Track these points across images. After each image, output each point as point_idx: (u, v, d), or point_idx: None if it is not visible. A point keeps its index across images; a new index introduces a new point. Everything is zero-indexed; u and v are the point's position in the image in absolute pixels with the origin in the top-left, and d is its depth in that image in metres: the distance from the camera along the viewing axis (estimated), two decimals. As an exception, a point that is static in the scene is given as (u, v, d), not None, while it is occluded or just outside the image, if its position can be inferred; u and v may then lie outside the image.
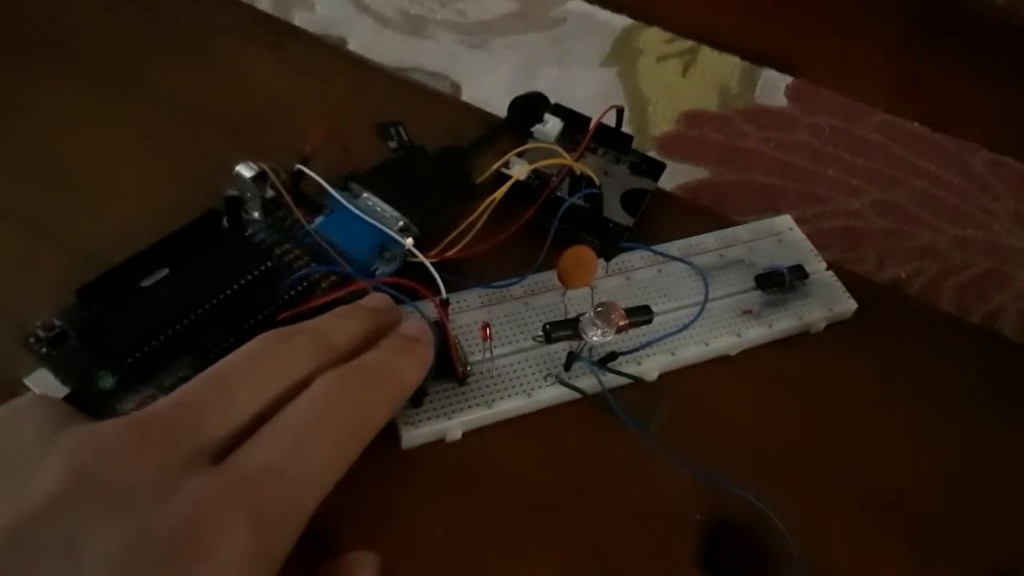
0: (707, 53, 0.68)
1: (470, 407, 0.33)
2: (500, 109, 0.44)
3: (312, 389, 0.26)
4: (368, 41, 0.66)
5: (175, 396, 0.25)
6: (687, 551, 0.32)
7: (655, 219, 0.40)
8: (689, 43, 0.69)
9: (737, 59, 0.68)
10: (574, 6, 0.70)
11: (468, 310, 0.35)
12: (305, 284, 0.34)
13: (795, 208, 0.60)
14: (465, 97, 0.62)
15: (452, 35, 0.68)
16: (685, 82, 0.67)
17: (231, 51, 0.47)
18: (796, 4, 0.65)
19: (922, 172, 0.61)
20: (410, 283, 0.32)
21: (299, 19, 0.66)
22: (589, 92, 0.65)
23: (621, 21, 0.70)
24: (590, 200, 0.38)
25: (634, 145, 0.42)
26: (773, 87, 0.67)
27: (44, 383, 0.30)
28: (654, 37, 0.69)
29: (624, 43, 0.69)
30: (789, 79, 0.67)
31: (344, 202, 0.34)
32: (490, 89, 0.63)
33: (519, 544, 0.31)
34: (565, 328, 0.33)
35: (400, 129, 0.39)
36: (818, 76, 0.67)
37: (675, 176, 0.61)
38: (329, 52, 0.51)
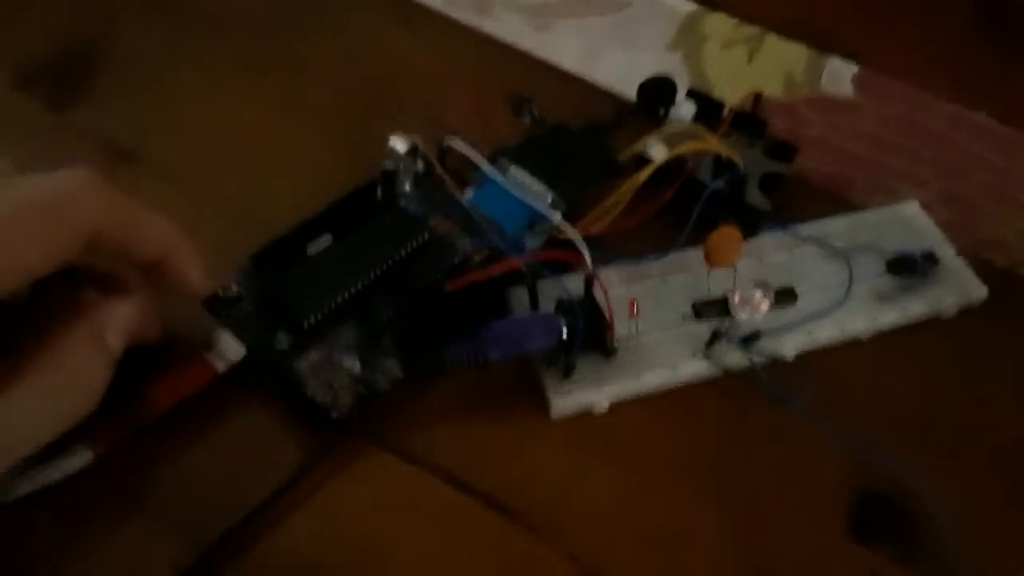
0: (773, 40, 0.69)
1: (617, 380, 0.33)
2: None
3: None
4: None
5: None
6: (839, 519, 0.32)
7: (783, 202, 0.41)
8: (755, 29, 0.69)
9: (803, 47, 0.68)
10: (639, -10, 0.70)
11: (610, 287, 0.36)
12: (460, 257, 0.34)
13: (862, 196, 0.61)
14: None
15: (516, 16, 0.67)
16: (751, 68, 0.68)
17: (363, 21, 0.47)
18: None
19: (989, 165, 0.62)
20: (566, 255, 0.33)
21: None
22: (655, 76, 0.65)
23: (686, 7, 0.70)
24: (731, 184, 0.38)
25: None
26: (839, 76, 0.67)
27: (225, 343, 0.30)
28: (720, 23, 0.69)
29: (689, 29, 0.69)
30: (855, 68, 0.67)
31: (497, 176, 0.35)
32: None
33: (683, 506, 0.32)
34: (715, 306, 0.34)
35: (532, 105, 0.39)
36: (884, 66, 0.67)
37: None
38: (451, 26, 0.51)
